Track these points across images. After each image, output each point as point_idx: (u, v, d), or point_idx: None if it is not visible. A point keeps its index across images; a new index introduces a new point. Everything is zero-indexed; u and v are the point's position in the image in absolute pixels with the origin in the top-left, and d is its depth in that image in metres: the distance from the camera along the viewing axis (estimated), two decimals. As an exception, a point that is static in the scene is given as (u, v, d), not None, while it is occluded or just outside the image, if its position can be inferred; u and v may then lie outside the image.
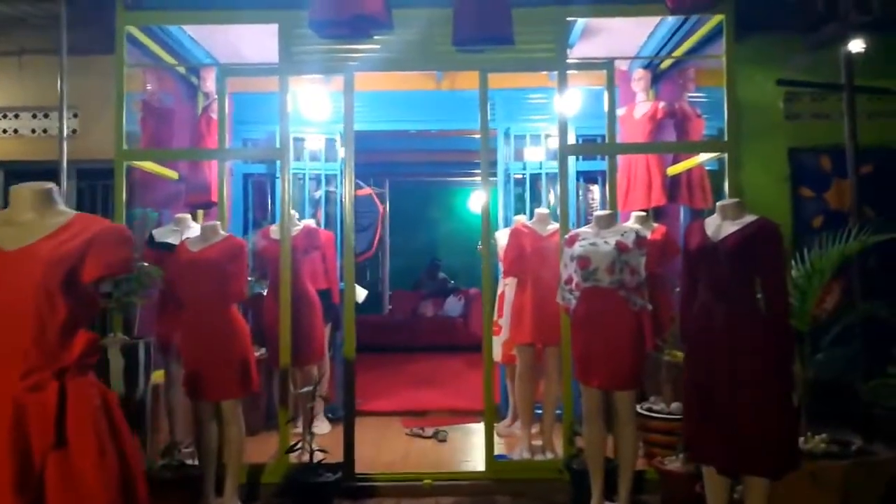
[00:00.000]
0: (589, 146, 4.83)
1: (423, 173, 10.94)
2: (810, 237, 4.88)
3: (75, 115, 4.85)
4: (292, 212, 4.48)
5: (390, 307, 10.66)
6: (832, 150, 4.59)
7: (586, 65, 4.34)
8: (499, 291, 5.13)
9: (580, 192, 5.95)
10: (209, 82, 5.09)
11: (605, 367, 3.35)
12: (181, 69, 5.06)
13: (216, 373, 3.53)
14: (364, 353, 9.04)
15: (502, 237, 4.91)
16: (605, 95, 4.16)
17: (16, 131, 5.26)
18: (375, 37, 4.05)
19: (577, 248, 3.48)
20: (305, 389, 3.95)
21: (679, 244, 4.96)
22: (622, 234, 3.47)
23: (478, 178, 11.35)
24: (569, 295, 3.56)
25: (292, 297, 4.16)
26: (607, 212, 3.57)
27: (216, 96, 5.14)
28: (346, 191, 4.13)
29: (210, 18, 4.12)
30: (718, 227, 2.97)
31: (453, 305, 9.94)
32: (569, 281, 3.56)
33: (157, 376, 4.13)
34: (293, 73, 4.10)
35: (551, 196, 6.20)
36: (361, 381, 6.86)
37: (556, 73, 4.21)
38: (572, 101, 5.27)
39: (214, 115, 5.07)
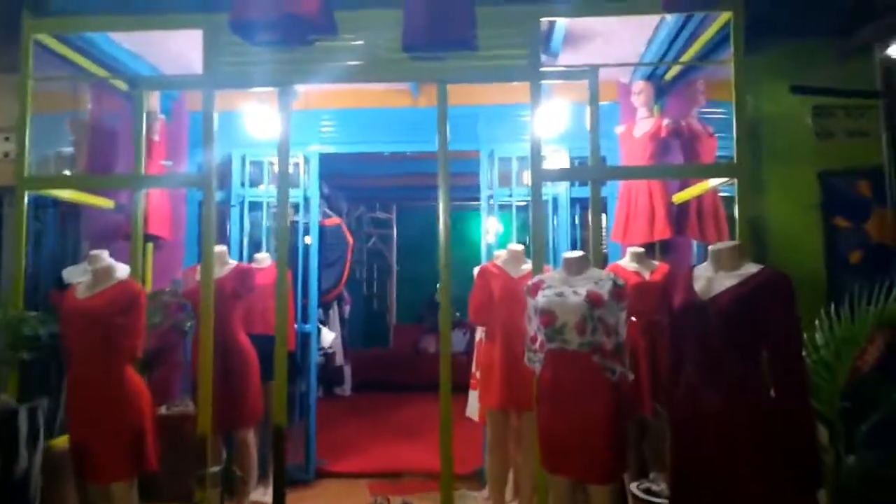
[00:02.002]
0: (567, 170, 4.14)
1: (432, 197, 10.32)
2: (847, 276, 4.09)
3: (7, 139, 4.36)
4: (221, 248, 3.86)
5: (392, 342, 10.00)
6: (871, 174, 3.88)
7: (566, 73, 3.66)
8: (477, 338, 4.43)
9: (577, 223, 5.23)
10: (152, 100, 4.57)
11: (576, 453, 2.61)
12: (123, 86, 4.53)
13: (103, 448, 2.92)
14: (362, 391, 8.54)
15: (476, 275, 4.21)
16: (588, 110, 3.46)
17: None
18: (316, 44, 3.45)
19: (541, 299, 2.77)
20: (212, 470, 3.28)
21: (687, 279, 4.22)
22: (595, 283, 2.75)
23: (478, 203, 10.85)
24: (534, 356, 2.85)
25: (219, 347, 3.54)
26: (576, 253, 2.86)
27: (161, 116, 4.64)
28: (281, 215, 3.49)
29: (125, 25, 3.57)
30: (710, 280, 2.25)
31: (457, 340, 9.21)
32: (533, 339, 2.85)
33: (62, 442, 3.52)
34: (218, 86, 3.50)
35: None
36: (340, 430, 6.27)
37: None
38: (558, 117, 4.60)
39: (157, 137, 4.55)
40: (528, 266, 3.67)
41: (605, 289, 2.70)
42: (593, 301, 2.67)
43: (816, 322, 2.81)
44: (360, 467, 5.10)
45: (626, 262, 3.92)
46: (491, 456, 3.73)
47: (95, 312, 2.93)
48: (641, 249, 3.96)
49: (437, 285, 10.27)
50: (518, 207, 5.01)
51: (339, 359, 8.08)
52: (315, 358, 5.01)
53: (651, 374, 3.63)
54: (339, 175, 7.52)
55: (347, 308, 8.60)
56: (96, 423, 2.92)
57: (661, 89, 4.68)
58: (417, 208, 10.98)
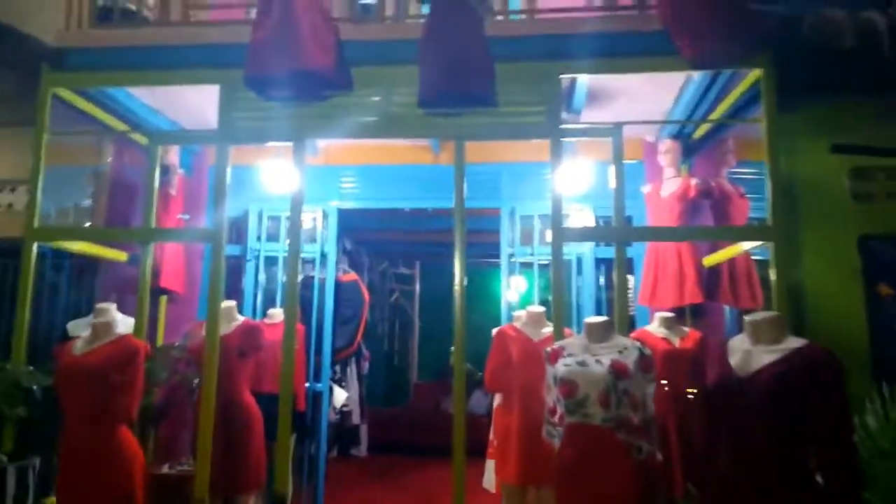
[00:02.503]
0: (589, 230, 3.97)
1: (454, 254, 10.21)
2: (893, 348, 3.81)
3: (12, 190, 4.37)
4: (229, 303, 3.74)
5: (412, 400, 9.71)
6: (917, 238, 3.62)
7: (588, 131, 3.54)
8: (495, 404, 4.19)
9: (601, 284, 5.03)
10: (171, 154, 4.55)
11: (598, 541, 2.36)
12: (143, 140, 4.52)
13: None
14: (379, 452, 8.23)
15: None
16: (611, 169, 3.32)
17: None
18: (332, 99, 3.39)
19: (561, 368, 2.57)
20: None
21: (717, 352, 3.98)
22: (620, 352, 2.54)
23: (514, 261, 10.69)
24: (553, 430, 2.63)
25: (222, 406, 3.38)
26: (600, 319, 2.66)
27: (180, 170, 4.62)
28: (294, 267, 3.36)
29: (142, 80, 3.56)
30: (747, 354, 2.04)
31: (479, 401, 8.88)
32: (552, 412, 2.64)
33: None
34: (234, 141, 3.45)
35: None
36: (353, 495, 5.98)
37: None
38: (582, 175, 4.47)
39: (174, 192, 4.51)
40: (549, 329, 3.48)
41: (631, 359, 2.49)
42: (618, 372, 2.46)
43: (867, 403, 2.56)
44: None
45: (655, 328, 3.70)
46: (507, 534, 3.46)
47: (91, 369, 2.81)
48: (671, 314, 3.74)
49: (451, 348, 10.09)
50: (540, 266, 4.84)
51: (356, 418, 7.82)
52: (326, 419, 4.81)
53: (682, 450, 3.35)
54: (361, 230, 7.46)
55: (366, 364, 8.39)
56: (86, 486, 2.76)
57: (689, 148, 4.53)
58: (441, 264, 10.82)
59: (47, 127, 3.54)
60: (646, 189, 4.41)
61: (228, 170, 3.48)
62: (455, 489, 3.14)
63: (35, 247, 3.44)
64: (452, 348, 3.30)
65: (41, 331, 4.55)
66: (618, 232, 3.30)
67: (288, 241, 3.41)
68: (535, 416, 3.25)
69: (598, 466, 2.42)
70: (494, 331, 4.12)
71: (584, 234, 3.71)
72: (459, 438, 3.15)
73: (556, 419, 2.60)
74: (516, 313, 4.22)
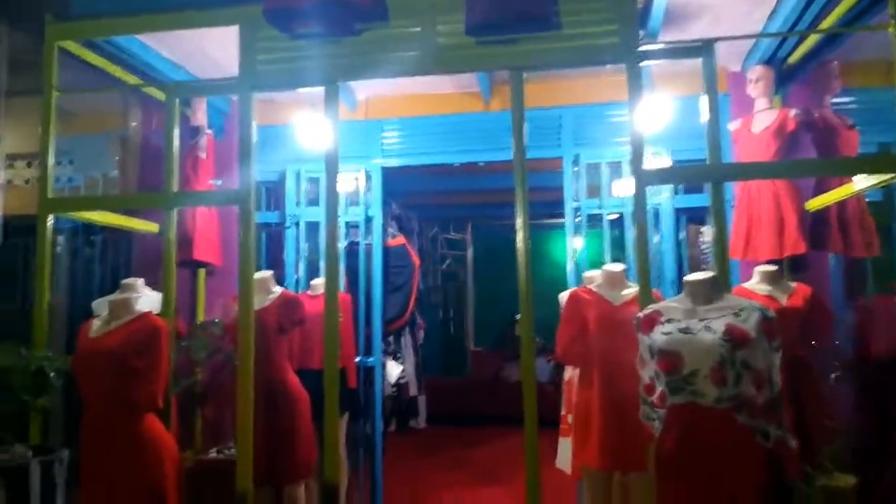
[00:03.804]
0: (680, 170, 3.39)
1: (509, 216, 9.73)
2: None
3: (28, 164, 4.09)
4: (264, 274, 3.36)
5: (470, 369, 9.34)
6: None
7: (672, 51, 2.95)
8: (566, 377, 3.74)
9: (682, 237, 4.47)
10: (199, 114, 4.17)
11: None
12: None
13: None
14: (438, 424, 7.91)
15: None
16: (703, 95, 2.75)
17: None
18: (365, 33, 2.92)
19: (659, 337, 2.08)
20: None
21: (830, 309, 3.39)
22: (736, 315, 2.03)
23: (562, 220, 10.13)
24: (651, 412, 2.15)
25: (263, 388, 3.02)
26: (704, 275, 2.15)
27: (209, 131, 4.25)
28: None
29: (152, 24, 3.15)
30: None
31: (541, 369, 8.42)
32: (649, 389, 2.15)
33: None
34: (257, 87, 3.02)
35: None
36: (412, 468, 5.67)
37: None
38: (657, 113, 3.89)
39: (203, 154, 4.14)
40: (630, 291, 2.97)
41: (751, 322, 1.98)
42: (736, 339, 1.96)
43: None
44: (432, 523, 4.45)
45: (755, 285, 3.14)
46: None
47: (108, 352, 2.46)
48: (774, 267, 3.18)
49: (517, 316, 9.65)
50: (610, 222, 4.30)
51: (413, 389, 7.50)
52: (380, 395, 4.44)
53: (796, 425, 2.83)
54: (409, 193, 7.04)
55: (421, 334, 8.04)
56: (111, 483, 2.44)
57: (784, 76, 3.89)
58: (493, 227, 10.38)
59: (55, 84, 3.17)
60: (733, 125, 3.80)
61: (254, 123, 3.06)
62: (528, 471, 2.71)
63: (51, 219, 3.11)
64: (518, 315, 2.84)
65: (78, 312, 4.31)
66: (715, 170, 2.74)
67: (366, 205, 2.97)
68: (619, 392, 2.79)
69: (712, 456, 1.95)
70: (564, 294, 3.65)
71: (672, 175, 3.14)
72: (531, 414, 2.70)
73: (654, 398, 2.12)
74: (587, 274, 3.73)
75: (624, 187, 4.34)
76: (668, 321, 2.11)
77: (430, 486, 5.24)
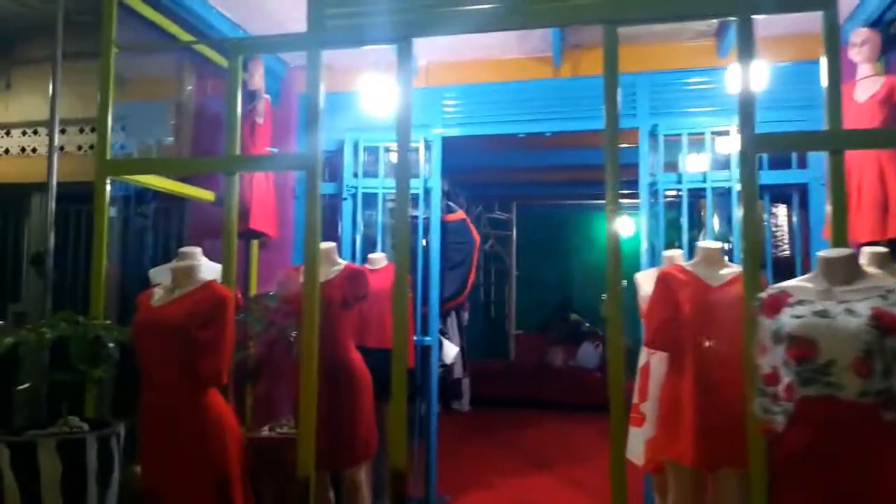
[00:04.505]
0: (794, 136, 3.01)
1: (555, 195, 9.48)
2: None
3: (81, 130, 3.96)
4: (328, 245, 3.17)
5: (514, 353, 9.13)
6: None
7: (788, 4, 2.64)
8: (641, 362, 3.50)
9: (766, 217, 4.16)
10: (257, 78, 3.99)
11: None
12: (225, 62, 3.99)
13: (179, 497, 2.27)
14: (480, 406, 7.75)
15: (645, 282, 3.28)
16: (823, 56, 2.46)
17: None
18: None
19: (789, 320, 1.83)
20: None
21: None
22: (884, 297, 1.77)
23: (621, 202, 9.79)
24: (772, 406, 1.91)
25: (326, 367, 2.84)
26: (842, 252, 1.89)
27: (266, 96, 4.07)
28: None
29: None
30: None
31: (588, 354, 8.21)
32: (771, 379, 1.91)
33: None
34: (325, 44, 2.81)
35: (715, 221, 4.48)
36: (461, 452, 5.52)
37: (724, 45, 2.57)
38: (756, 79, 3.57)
39: (261, 119, 3.96)
40: (729, 271, 2.71)
41: (905, 306, 1.72)
42: (885, 325, 1.70)
43: None
44: (489, 509, 4.28)
45: (864, 268, 2.85)
46: (674, 523, 2.79)
47: (170, 323, 2.31)
48: (884, 249, 2.88)
49: (563, 295, 9.34)
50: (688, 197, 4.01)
51: (458, 371, 7.33)
52: (435, 376, 4.26)
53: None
54: (455, 171, 6.81)
55: (466, 315, 7.85)
56: (172, 464, 2.30)
57: (891, 39, 3.54)
58: (539, 207, 10.11)
59: (114, 40, 3.01)
60: (833, 93, 3.47)
61: (322, 85, 2.85)
62: (613, 465, 2.49)
63: (108, 182, 2.96)
64: (604, 296, 2.60)
65: (131, 281, 4.21)
66: (836, 137, 2.45)
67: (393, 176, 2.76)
68: (716, 381, 2.55)
69: (855, 458, 1.70)
70: (644, 274, 3.40)
71: (787, 142, 2.81)
72: (618, 404, 2.47)
73: (779, 389, 1.87)
74: (668, 253, 3.47)
75: (699, 162, 4.06)
76: (800, 303, 1.85)
77: (480, 470, 5.07)
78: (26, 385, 2.72)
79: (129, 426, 2.74)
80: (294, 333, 3.89)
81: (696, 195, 4.04)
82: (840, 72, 2.48)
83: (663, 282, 2.72)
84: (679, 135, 3.94)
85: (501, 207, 9.98)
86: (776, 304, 1.90)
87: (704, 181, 3.90)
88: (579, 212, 10.47)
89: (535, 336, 9.12)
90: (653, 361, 3.26)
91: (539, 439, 6.35)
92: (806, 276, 1.99)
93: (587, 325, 8.87)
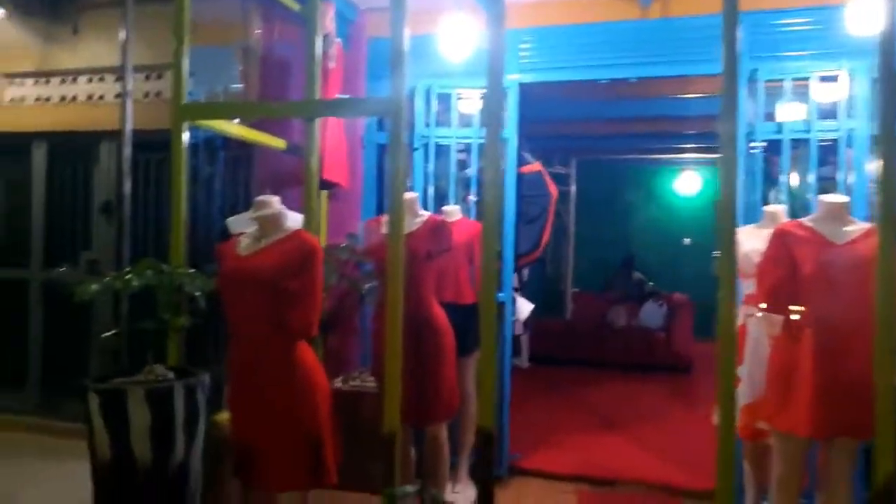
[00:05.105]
0: None
1: (617, 149, 9.14)
2: None
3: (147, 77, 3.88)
4: (412, 194, 3.03)
5: (572, 311, 8.96)
6: None
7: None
8: (740, 319, 3.29)
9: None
10: (327, 21, 3.81)
11: None
12: (294, 5, 3.83)
13: (269, 451, 2.22)
14: (538, 364, 7.65)
15: (747, 238, 3.04)
16: None
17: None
18: None
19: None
20: (407, 489, 2.47)
21: None
22: None
23: (687, 156, 9.34)
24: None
25: (409, 322, 2.73)
26: None
27: (337, 39, 3.90)
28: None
29: None
30: None
31: (652, 314, 7.98)
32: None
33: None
34: (414, -24, 2.60)
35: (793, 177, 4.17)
36: (527, 409, 5.43)
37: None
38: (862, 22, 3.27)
39: (333, 63, 3.80)
40: (855, 228, 2.47)
41: None
42: None
43: None
44: (562, 467, 4.18)
45: None
46: (781, 492, 2.63)
47: (260, 273, 2.22)
48: None
49: (626, 253, 9.06)
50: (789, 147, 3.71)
51: (519, 328, 7.22)
52: (510, 333, 4.15)
53: None
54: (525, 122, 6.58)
55: (526, 272, 7.69)
56: (262, 420, 2.24)
57: None
58: (600, 161, 9.77)
59: (188, -21, 2.87)
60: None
61: (406, 23, 2.66)
62: (722, 433, 2.32)
63: (185, 128, 2.86)
64: (716, 252, 2.41)
65: (198, 231, 4.17)
66: None
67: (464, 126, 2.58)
68: (838, 347, 2.34)
69: None
70: (747, 229, 3.16)
71: None
72: (728, 370, 2.29)
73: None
74: (770, 208, 3.22)
75: (796, 110, 3.76)
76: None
77: (549, 428, 4.99)
78: (113, 332, 2.66)
79: (213, 377, 2.71)
80: (367, 286, 3.81)
81: (798, 145, 3.74)
82: None
83: (779, 238, 2.50)
84: (781, 80, 3.63)
85: (561, 161, 9.69)
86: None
87: (808, 131, 3.60)
88: (642, 167, 10.10)
89: (594, 294, 8.92)
90: (750, 323, 3.06)
91: (604, 398, 6.23)
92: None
93: (651, 283, 8.61)
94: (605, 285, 8.96)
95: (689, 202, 9.93)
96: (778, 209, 3.19)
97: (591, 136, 8.35)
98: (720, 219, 2.39)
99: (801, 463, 2.53)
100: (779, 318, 2.64)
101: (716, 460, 2.37)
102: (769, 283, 2.50)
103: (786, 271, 2.45)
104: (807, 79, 3.61)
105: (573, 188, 9.74)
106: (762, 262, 2.59)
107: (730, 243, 2.33)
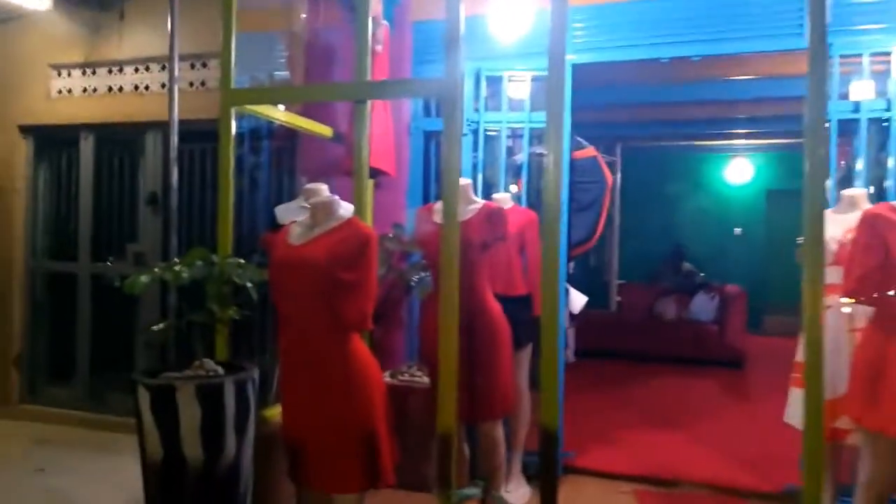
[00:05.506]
0: None
1: (666, 136, 8.83)
2: None
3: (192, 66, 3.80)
4: (465, 181, 2.89)
5: (619, 303, 8.71)
6: None
7: None
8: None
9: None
10: (374, 3, 3.69)
11: None
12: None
13: (323, 450, 2.12)
14: (583, 357, 7.44)
15: (834, 223, 2.82)
16: None
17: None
18: None
19: None
20: (468, 491, 2.35)
21: None
22: None
23: (738, 142, 8.98)
24: None
25: (463, 315, 2.60)
26: None
27: (384, 22, 3.78)
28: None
29: None
30: None
31: (703, 306, 7.71)
32: None
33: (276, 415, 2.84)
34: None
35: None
36: (577, 405, 5.23)
37: None
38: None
39: (380, 47, 3.68)
40: (955, 211, 2.25)
41: None
42: None
43: None
44: (618, 465, 4.01)
45: None
46: (869, 494, 2.43)
47: (315, 262, 2.11)
48: None
49: (675, 243, 8.77)
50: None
51: (566, 320, 7.03)
52: (563, 325, 3.98)
53: None
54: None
55: (572, 264, 7.49)
56: (315, 415, 2.13)
57: None
58: (646, 149, 9.48)
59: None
60: None
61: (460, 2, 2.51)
62: (808, 435, 2.15)
63: (233, 113, 2.77)
64: (800, 239, 2.22)
65: (243, 222, 4.12)
66: None
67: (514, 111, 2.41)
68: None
69: None
70: (837, 212, 2.93)
71: None
72: (815, 362, 2.11)
73: None
74: (847, 192, 2.99)
75: (863, 89, 3.50)
76: None
77: (601, 424, 4.82)
78: (162, 325, 2.60)
79: (263, 371, 2.62)
80: (415, 278, 3.70)
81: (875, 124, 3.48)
82: None
83: (869, 223, 2.29)
84: (859, 55, 3.38)
85: (606, 149, 9.43)
86: None
87: (888, 109, 3.34)
88: (690, 154, 9.77)
89: (641, 286, 8.66)
90: (828, 315, 2.84)
91: (655, 394, 6.02)
92: None
93: (701, 275, 8.32)
94: (653, 277, 8.69)
95: (739, 191, 9.59)
96: (857, 192, 2.96)
97: (637, 123, 8.10)
98: (807, 205, 2.20)
99: (891, 464, 2.33)
100: (866, 309, 2.44)
101: (801, 463, 2.21)
102: (859, 273, 2.29)
103: (878, 258, 2.24)
104: (887, 54, 3.35)
105: (619, 176, 9.49)
106: (852, 250, 2.38)
107: (818, 231, 2.14)
